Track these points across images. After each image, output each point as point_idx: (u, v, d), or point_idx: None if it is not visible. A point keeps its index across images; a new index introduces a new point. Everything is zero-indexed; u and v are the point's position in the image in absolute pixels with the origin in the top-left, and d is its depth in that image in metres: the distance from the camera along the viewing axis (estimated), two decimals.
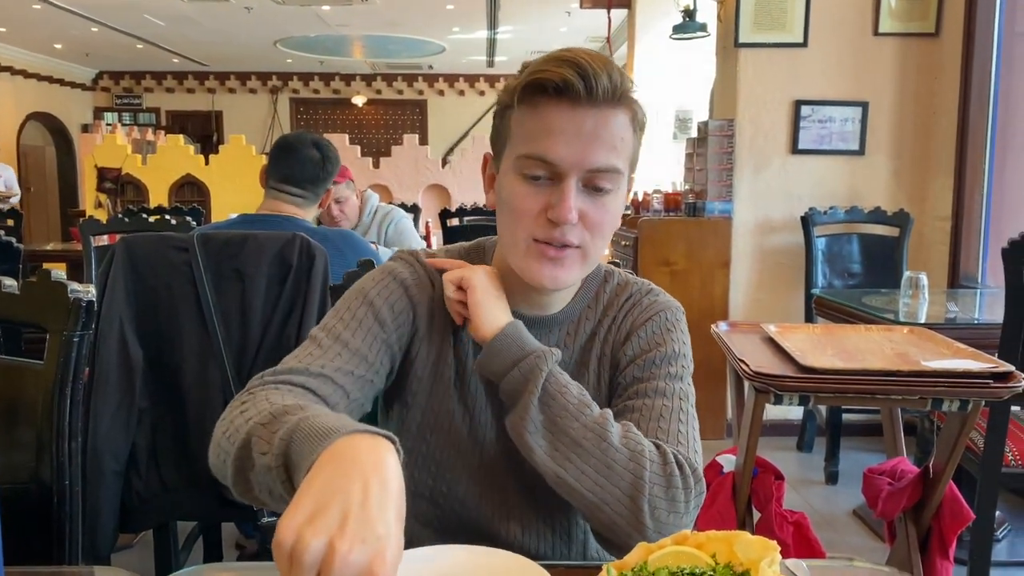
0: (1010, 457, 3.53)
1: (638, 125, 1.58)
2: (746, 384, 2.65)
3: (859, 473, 3.35)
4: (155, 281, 2.85)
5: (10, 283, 1.81)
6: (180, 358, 2.88)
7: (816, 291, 5.36)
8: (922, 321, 3.79)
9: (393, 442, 1.11)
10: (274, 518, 3.09)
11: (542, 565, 1.42)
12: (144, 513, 2.95)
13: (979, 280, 5.72)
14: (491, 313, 1.59)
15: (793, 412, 5.99)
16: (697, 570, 1.20)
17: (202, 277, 2.87)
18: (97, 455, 2.77)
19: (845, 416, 5.56)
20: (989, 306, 4.56)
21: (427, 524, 1.70)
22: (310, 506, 0.95)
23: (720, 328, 3.15)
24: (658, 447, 1.50)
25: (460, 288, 1.62)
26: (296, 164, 3.43)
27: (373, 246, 3.85)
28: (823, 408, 5.65)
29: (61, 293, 1.79)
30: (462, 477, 1.69)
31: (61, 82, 17.97)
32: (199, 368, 2.89)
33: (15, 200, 10.62)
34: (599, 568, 1.24)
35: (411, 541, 1.62)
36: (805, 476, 5.46)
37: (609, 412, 1.52)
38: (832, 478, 5.33)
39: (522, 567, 1.41)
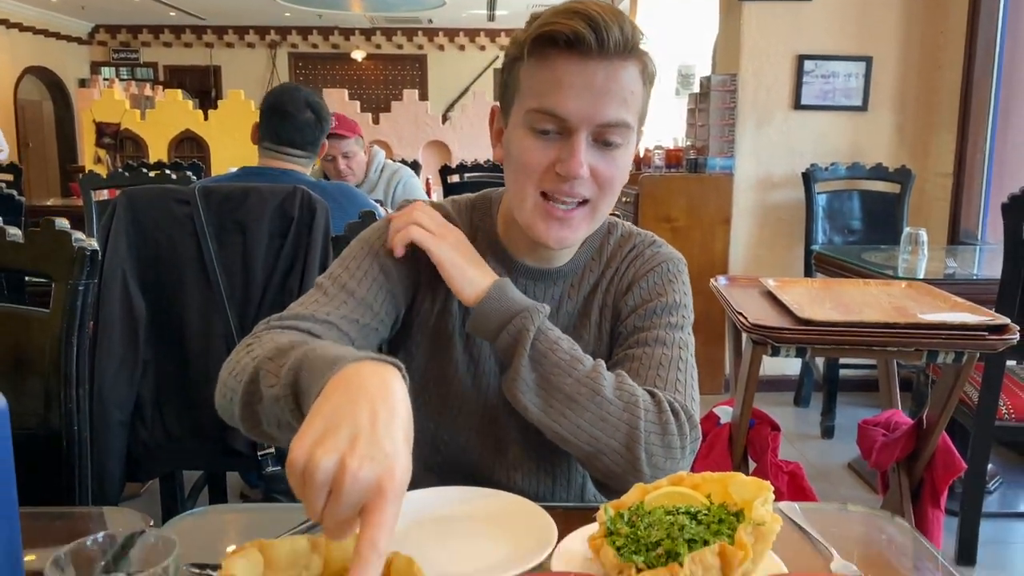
0: (1004, 411, 3.58)
1: (648, 78, 1.56)
2: (744, 337, 2.68)
3: (854, 427, 3.40)
4: (157, 234, 2.86)
5: (14, 232, 1.82)
6: (183, 310, 2.91)
7: (816, 247, 5.37)
8: (921, 277, 3.80)
9: (400, 369, 1.13)
10: (278, 468, 3.15)
11: (541, 507, 1.45)
12: (150, 462, 3.00)
13: (979, 237, 5.73)
14: (468, 278, 1.58)
15: (791, 367, 6.04)
16: (692, 509, 1.23)
17: (204, 230, 2.88)
18: (103, 406, 2.80)
19: (842, 372, 5.61)
20: (988, 262, 4.57)
21: (429, 469, 1.73)
22: (320, 428, 0.97)
23: (719, 282, 3.17)
24: (653, 395, 1.53)
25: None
26: (294, 130, 3.42)
27: (379, 205, 3.85)
28: (820, 363, 5.70)
29: (65, 242, 1.80)
30: (464, 425, 1.72)
31: (57, 36, 17.75)
32: (202, 320, 2.91)
33: (3, 156, 10.54)
34: (597, 509, 1.27)
35: (414, 485, 1.66)
36: (801, 430, 5.53)
37: (602, 364, 1.54)
38: (828, 432, 5.40)
39: (522, 507, 1.45)
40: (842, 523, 1.49)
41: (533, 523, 1.38)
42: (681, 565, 1.11)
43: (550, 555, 1.28)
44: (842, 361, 5.59)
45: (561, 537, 1.33)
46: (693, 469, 2.91)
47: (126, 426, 2.90)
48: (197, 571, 1.24)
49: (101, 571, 1.06)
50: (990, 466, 4.09)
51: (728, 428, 2.95)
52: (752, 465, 2.97)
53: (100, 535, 1.08)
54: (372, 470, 0.96)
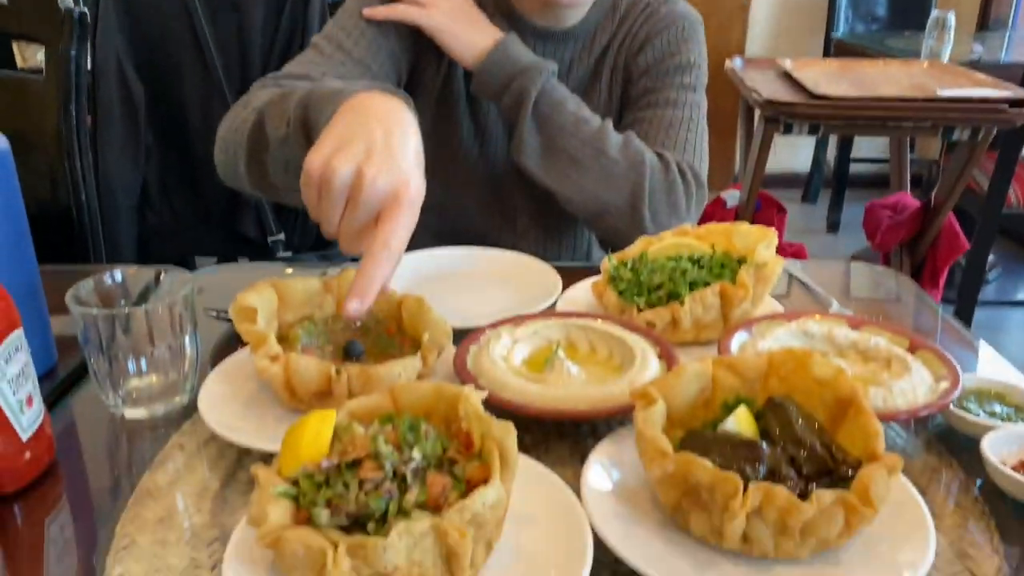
0: (1013, 199, 3.57)
1: None
2: (756, 116, 2.62)
3: (860, 223, 3.40)
4: (148, 14, 2.74)
5: None
6: (182, 94, 2.84)
7: (837, 35, 5.13)
8: (945, 60, 3.65)
9: (409, 102, 1.13)
10: (288, 253, 3.20)
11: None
12: (161, 248, 3.05)
13: (1010, 24, 5.45)
14: (466, 41, 1.53)
15: (800, 162, 5.97)
16: (695, 256, 1.25)
17: (196, 9, 2.75)
18: (110, 190, 2.81)
19: (852, 166, 5.55)
20: (1017, 46, 4.38)
21: (435, 235, 1.75)
22: (335, 142, 0.97)
23: (735, 63, 3.05)
24: (660, 156, 1.51)
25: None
26: None
27: None
28: (831, 158, 5.63)
29: (52, 4, 1.72)
30: (470, 190, 1.72)
31: None
32: (202, 103, 2.85)
33: None
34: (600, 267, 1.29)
35: (418, 248, 1.69)
36: (807, 225, 5.56)
37: (609, 123, 1.51)
38: (834, 227, 5.43)
39: (528, 263, 1.48)
40: (844, 278, 1.52)
41: (539, 276, 1.40)
42: (681, 304, 1.14)
43: (554, 303, 1.31)
44: (853, 155, 5.51)
45: (566, 288, 1.36)
46: None
47: (134, 210, 2.92)
48: (215, 314, 1.28)
49: (129, 303, 1.09)
50: (991, 256, 4.14)
51: (734, 212, 2.96)
52: None
53: (117, 273, 1.11)
54: (388, 179, 0.96)
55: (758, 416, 0.90)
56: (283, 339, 1.10)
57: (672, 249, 1.30)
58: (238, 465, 0.99)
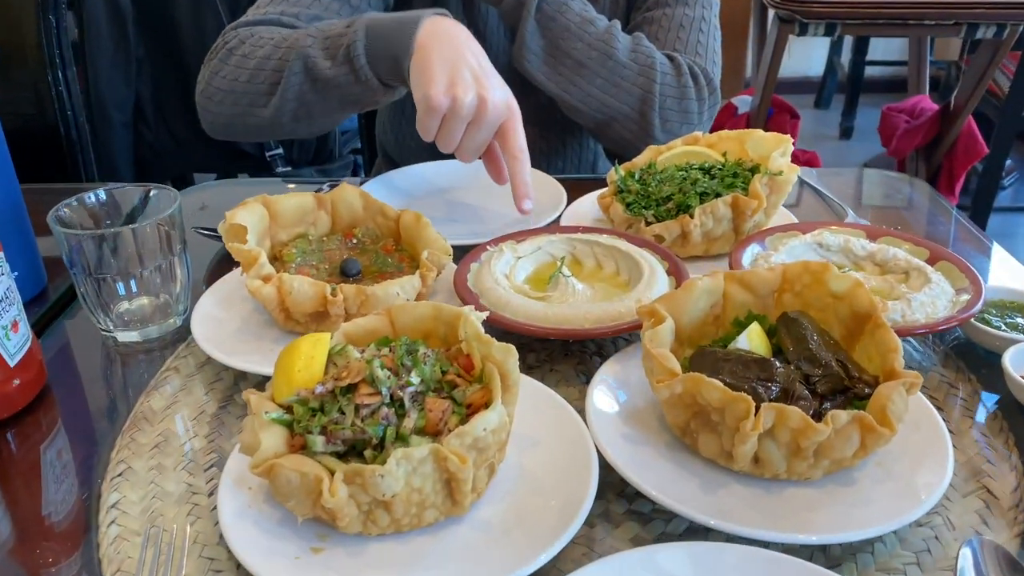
0: None
1: None
2: (769, 17, 2.50)
3: (874, 129, 3.29)
4: None
5: None
6: (172, 5, 2.73)
7: None
8: None
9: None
10: (288, 168, 3.14)
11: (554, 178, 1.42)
12: (159, 165, 2.99)
13: None
14: None
15: (814, 67, 5.78)
16: (706, 165, 1.19)
17: None
18: (102, 106, 2.74)
19: (868, 70, 5.37)
20: None
21: (439, 154, 1.69)
22: (445, 73, 1.12)
23: None
24: (672, 59, 1.43)
25: None
26: None
27: None
28: (845, 63, 5.44)
29: None
30: None
31: None
32: (192, 14, 2.74)
33: None
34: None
35: (418, 162, 1.63)
36: (820, 132, 5.42)
37: (616, 25, 1.42)
38: (847, 133, 5.29)
39: (532, 175, 1.42)
40: (858, 185, 1.46)
41: (543, 189, 1.35)
42: (691, 217, 1.09)
43: (559, 216, 1.26)
44: (868, 57, 5.33)
45: (571, 202, 1.31)
46: None
47: (129, 128, 2.85)
48: (204, 232, 1.24)
49: (117, 223, 1.05)
50: (1008, 161, 4.03)
51: (746, 118, 2.87)
52: None
53: (102, 192, 1.06)
54: (503, 97, 1.15)
55: (771, 333, 0.86)
56: (276, 258, 1.06)
57: (682, 158, 1.25)
58: (235, 388, 0.96)
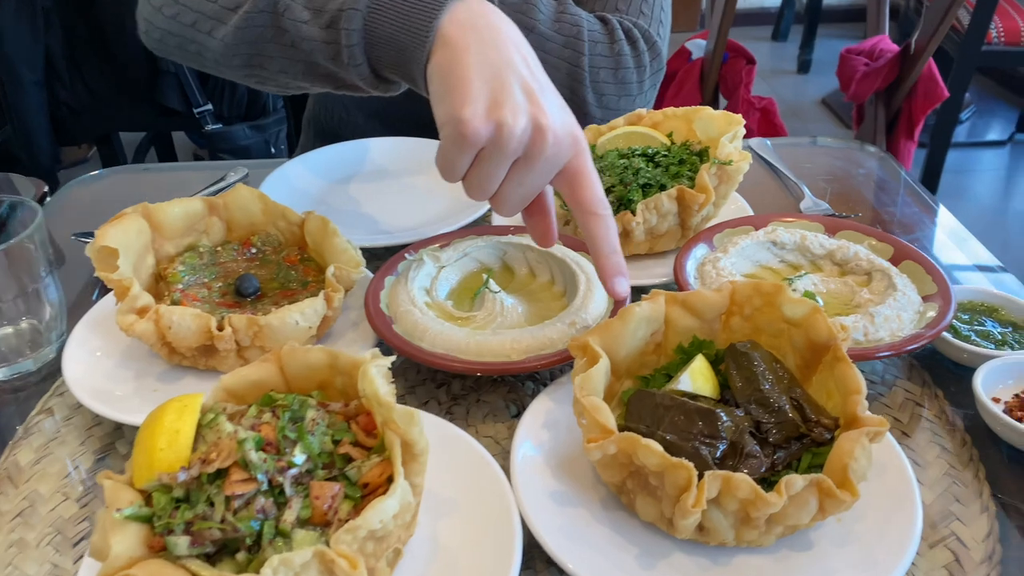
0: (993, 34, 3.35)
1: None
2: None
3: (833, 61, 3.16)
4: None
5: None
6: None
7: None
8: None
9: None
10: (219, 126, 2.94)
11: None
12: (78, 125, 2.79)
13: None
14: None
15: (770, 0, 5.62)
16: (649, 150, 1.07)
17: None
18: (9, 64, 2.53)
19: (826, 0, 5.22)
20: None
21: (374, 116, 1.53)
22: (484, 90, 0.75)
23: None
24: (604, 21, 1.27)
25: None
26: None
27: None
28: None
29: None
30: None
31: None
32: None
33: None
34: None
35: (357, 132, 1.48)
36: (777, 66, 5.29)
37: None
38: (805, 67, 5.17)
39: None
40: (814, 157, 1.36)
41: None
42: (634, 213, 0.98)
43: (489, 210, 1.14)
44: None
45: None
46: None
47: (41, 86, 2.64)
48: (84, 240, 1.10)
49: None
50: (966, 95, 3.96)
51: (700, 64, 2.73)
52: (723, 102, 2.79)
53: None
54: (566, 124, 0.77)
55: (719, 359, 0.77)
56: (162, 278, 0.93)
57: (624, 140, 1.12)
58: (116, 434, 0.84)
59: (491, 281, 0.91)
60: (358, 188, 1.25)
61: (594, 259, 0.82)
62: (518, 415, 0.84)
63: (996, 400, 0.81)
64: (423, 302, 0.88)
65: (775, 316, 0.76)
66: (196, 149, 4.08)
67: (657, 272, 1.00)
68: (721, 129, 1.06)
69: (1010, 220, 3.87)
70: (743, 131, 1.03)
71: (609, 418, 0.66)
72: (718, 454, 0.65)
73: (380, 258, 1.06)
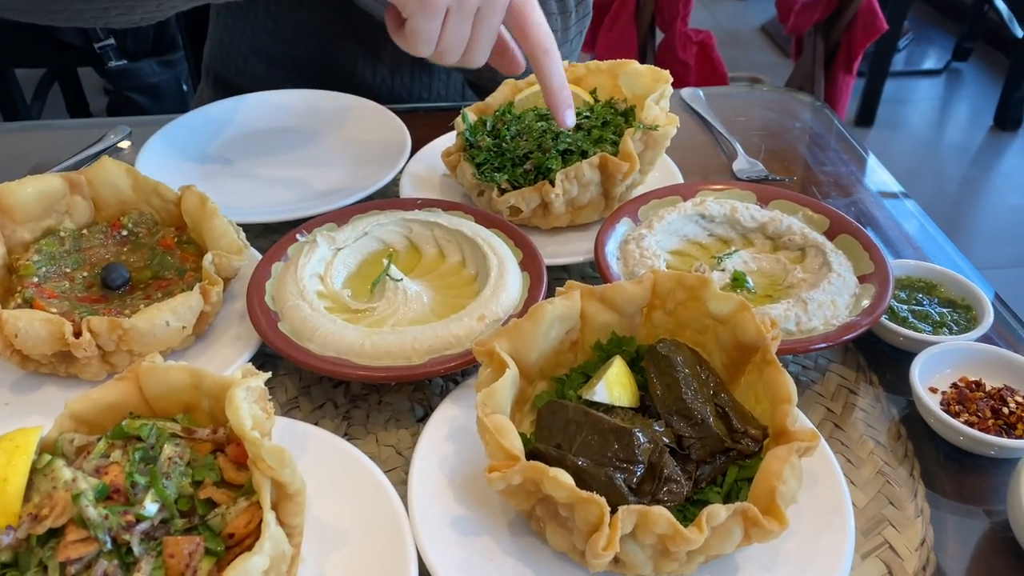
0: None
1: None
2: None
3: None
4: None
5: None
6: None
7: None
8: None
9: None
10: (123, 62, 2.73)
11: (403, 111, 1.18)
12: None
13: None
14: None
15: None
16: None
17: None
18: None
19: None
20: None
21: (276, 64, 1.39)
22: None
23: None
24: None
25: None
26: None
27: None
28: None
29: None
30: (325, 14, 1.35)
31: None
32: None
33: None
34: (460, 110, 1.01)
35: (258, 83, 1.35)
36: None
37: None
38: None
39: (373, 114, 1.17)
40: (748, 108, 1.27)
41: (385, 134, 1.11)
42: (552, 184, 0.89)
43: (402, 169, 1.04)
44: None
45: (416, 150, 1.08)
46: (596, 46, 2.62)
47: None
48: None
49: None
50: (904, 22, 3.91)
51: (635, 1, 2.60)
52: (660, 36, 2.68)
53: None
54: None
55: (641, 356, 0.70)
56: (14, 270, 0.81)
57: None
58: None
59: (392, 267, 0.81)
60: (253, 150, 1.13)
61: (545, 94, 0.86)
62: (425, 417, 0.77)
63: (933, 390, 0.76)
64: (315, 292, 0.79)
65: (700, 311, 0.69)
66: (107, 84, 3.81)
67: (579, 248, 0.92)
68: (648, 87, 0.97)
69: (944, 151, 3.88)
70: (670, 90, 0.94)
71: (515, 441, 0.59)
72: (635, 481, 0.59)
73: (278, 231, 0.96)
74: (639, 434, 0.60)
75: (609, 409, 0.65)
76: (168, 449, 0.56)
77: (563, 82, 0.86)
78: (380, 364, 0.72)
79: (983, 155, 3.81)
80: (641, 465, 0.59)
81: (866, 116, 3.96)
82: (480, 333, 0.74)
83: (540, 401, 0.69)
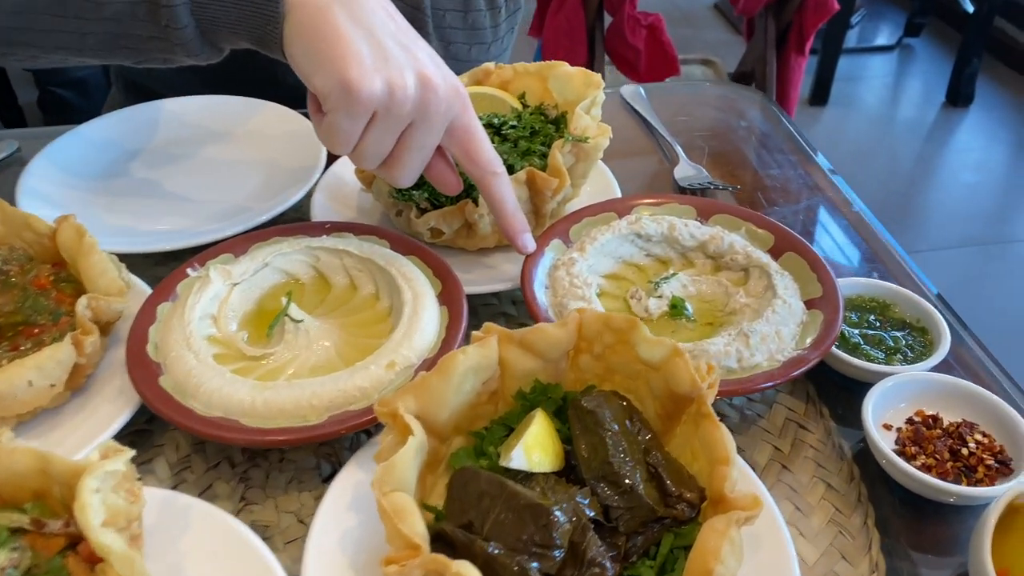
0: None
1: None
2: None
3: None
4: None
5: None
6: None
7: None
8: None
9: None
10: None
11: None
12: None
13: None
14: None
15: None
16: (496, 119, 0.89)
17: None
18: None
19: None
20: None
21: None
22: (364, 46, 0.68)
23: None
24: None
25: None
26: None
27: None
28: None
29: None
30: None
31: None
32: None
33: None
34: None
35: (144, 94, 1.25)
36: None
37: None
38: None
39: (289, 121, 1.08)
40: (692, 107, 1.20)
41: (300, 144, 1.02)
42: (476, 203, 0.81)
43: (315, 184, 0.95)
44: None
45: (336, 160, 0.99)
46: (543, 30, 2.52)
47: None
48: None
49: None
50: None
51: None
52: (608, 19, 2.60)
53: None
54: (447, 77, 0.71)
55: (567, 405, 0.62)
56: None
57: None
58: None
59: (293, 306, 0.73)
60: (154, 165, 1.03)
61: (498, 219, 0.78)
62: (333, 476, 0.69)
63: (888, 427, 0.70)
64: (204, 338, 0.70)
65: (630, 356, 0.62)
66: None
67: (507, 273, 0.84)
68: (579, 92, 0.89)
69: (898, 129, 3.87)
70: (602, 96, 0.86)
71: (416, 526, 0.51)
72: (554, 568, 0.52)
73: (180, 258, 0.87)
74: (558, 514, 0.53)
75: (528, 476, 0.57)
76: (2, 557, 0.48)
77: (516, 205, 0.78)
78: (273, 425, 0.64)
79: (936, 132, 3.80)
80: (560, 550, 0.52)
81: (820, 95, 3.93)
82: (389, 383, 0.67)
83: (456, 461, 0.62)
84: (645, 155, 1.08)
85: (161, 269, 0.86)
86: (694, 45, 4.06)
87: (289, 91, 1.18)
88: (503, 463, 0.58)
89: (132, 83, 1.34)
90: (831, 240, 0.96)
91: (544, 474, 0.58)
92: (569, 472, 0.59)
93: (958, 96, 3.81)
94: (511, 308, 0.86)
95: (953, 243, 3.09)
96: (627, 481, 0.56)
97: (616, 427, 0.59)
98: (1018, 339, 2.66)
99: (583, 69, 0.90)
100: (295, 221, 0.90)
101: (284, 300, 0.73)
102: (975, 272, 2.95)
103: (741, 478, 0.62)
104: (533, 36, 2.69)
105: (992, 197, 3.33)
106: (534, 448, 0.58)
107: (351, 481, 0.63)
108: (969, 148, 3.65)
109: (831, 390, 0.77)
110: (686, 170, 1.02)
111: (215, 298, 0.74)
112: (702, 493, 0.57)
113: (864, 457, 0.71)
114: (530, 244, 0.79)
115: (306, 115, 1.07)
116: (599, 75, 0.88)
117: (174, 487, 0.68)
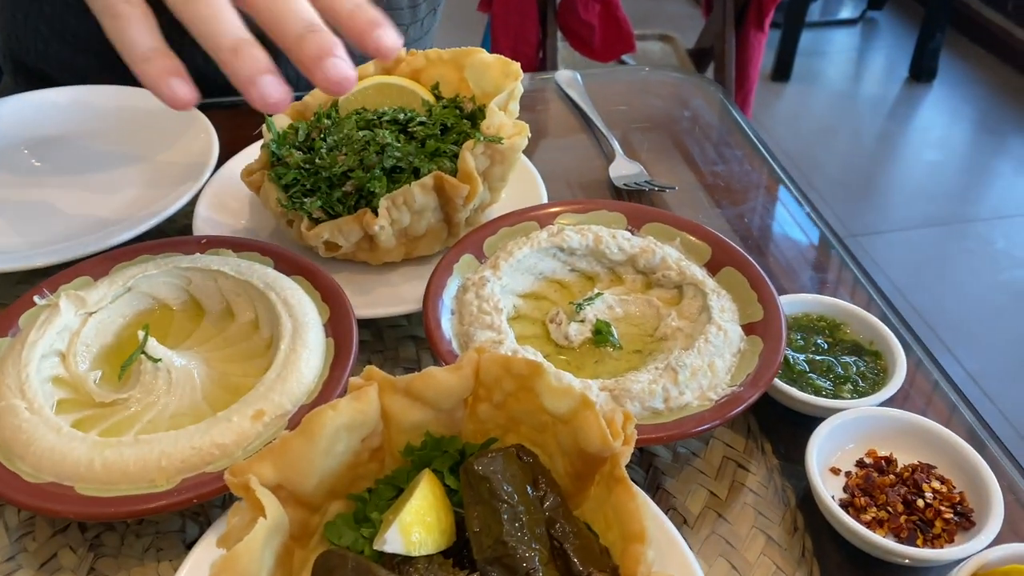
0: None
1: None
2: None
3: None
4: None
5: None
6: None
7: None
8: None
9: None
10: None
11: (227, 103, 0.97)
12: None
13: None
14: None
15: None
16: (403, 115, 0.79)
17: None
18: None
19: None
20: None
21: (70, 44, 1.17)
22: None
23: None
24: None
25: None
26: None
27: None
28: None
29: None
30: None
31: None
32: None
33: None
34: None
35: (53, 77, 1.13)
36: None
37: None
38: None
39: (179, 116, 0.97)
40: (632, 96, 1.10)
41: (189, 142, 0.91)
42: (376, 213, 0.71)
43: (201, 188, 0.84)
44: None
45: (228, 158, 0.88)
46: (493, 5, 2.40)
47: None
48: None
49: None
50: None
51: None
52: None
53: None
54: None
55: (459, 467, 0.53)
56: None
57: (374, 96, 0.83)
58: None
59: (151, 340, 0.63)
60: (26, 168, 0.91)
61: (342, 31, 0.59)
62: (199, 539, 0.59)
63: (836, 471, 0.62)
64: (46, 380, 0.60)
65: (534, 406, 0.53)
66: None
67: (412, 294, 0.74)
68: (497, 83, 0.79)
69: (861, 105, 3.80)
70: (520, 89, 0.76)
71: None
72: None
73: (46, 274, 0.76)
74: None
75: (407, 561, 0.48)
76: None
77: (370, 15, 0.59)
78: (114, 492, 0.54)
79: (899, 108, 3.74)
80: None
81: (782, 71, 3.85)
82: (257, 437, 0.57)
83: (332, 533, 0.52)
84: (579, 151, 0.98)
85: (23, 288, 0.75)
86: (655, 19, 3.95)
87: (199, 77, 1.07)
88: (376, 547, 0.48)
89: (23, 66, 1.21)
90: (777, 247, 0.88)
91: (426, 557, 0.48)
92: (460, 551, 0.50)
93: (921, 71, 3.76)
94: (422, 331, 0.76)
95: (916, 223, 3.04)
96: (524, 566, 0.47)
97: (516, 496, 0.49)
98: (978, 322, 2.63)
99: (501, 57, 0.80)
100: (178, 234, 0.80)
101: (141, 334, 0.63)
102: (937, 252, 2.91)
103: (667, 545, 0.54)
104: (482, 11, 2.57)
105: (954, 175, 3.29)
106: (413, 525, 0.48)
107: (205, 559, 0.53)
108: (932, 125, 3.60)
109: (774, 423, 0.68)
110: (622, 167, 0.93)
111: (64, 330, 0.64)
112: (615, 572, 0.49)
113: (810, 503, 0.63)
114: (388, 38, 0.59)
115: (203, 107, 0.96)
116: (518, 64, 0.78)
117: (11, 558, 0.58)
